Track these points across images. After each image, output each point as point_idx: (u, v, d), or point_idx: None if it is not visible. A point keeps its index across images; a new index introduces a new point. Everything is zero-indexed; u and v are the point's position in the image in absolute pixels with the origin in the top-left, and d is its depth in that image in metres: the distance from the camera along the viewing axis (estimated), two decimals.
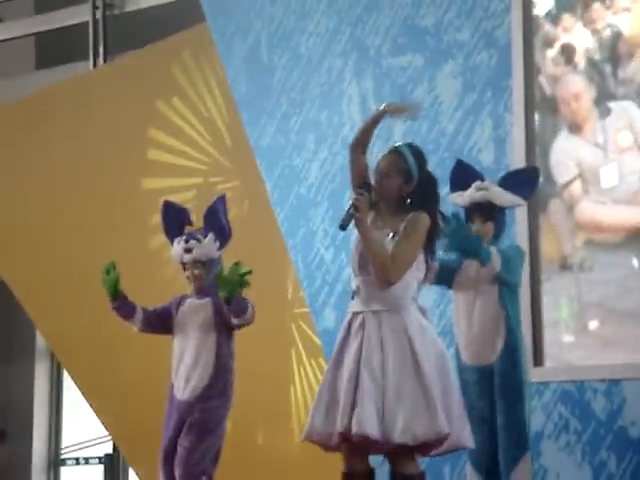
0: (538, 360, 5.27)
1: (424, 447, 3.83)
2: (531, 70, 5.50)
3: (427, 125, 5.82)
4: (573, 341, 5.24)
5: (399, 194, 3.99)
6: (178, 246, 4.80)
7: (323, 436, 3.89)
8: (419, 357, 3.83)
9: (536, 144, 5.46)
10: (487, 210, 4.69)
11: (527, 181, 4.79)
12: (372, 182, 4.00)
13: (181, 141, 6.94)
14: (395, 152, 4.03)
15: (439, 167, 5.71)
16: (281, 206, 6.32)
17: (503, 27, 5.58)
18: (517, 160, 5.45)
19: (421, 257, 3.96)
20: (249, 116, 6.56)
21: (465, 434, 3.88)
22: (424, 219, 3.92)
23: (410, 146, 4.07)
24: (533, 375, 5.22)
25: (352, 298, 4.01)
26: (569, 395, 5.15)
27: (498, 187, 4.73)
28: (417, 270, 3.96)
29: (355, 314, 3.96)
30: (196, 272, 4.75)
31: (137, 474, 7.16)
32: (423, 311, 3.98)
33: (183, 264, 4.78)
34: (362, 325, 3.92)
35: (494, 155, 5.55)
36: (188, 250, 4.74)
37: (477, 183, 4.76)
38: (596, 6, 5.37)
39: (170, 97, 7.00)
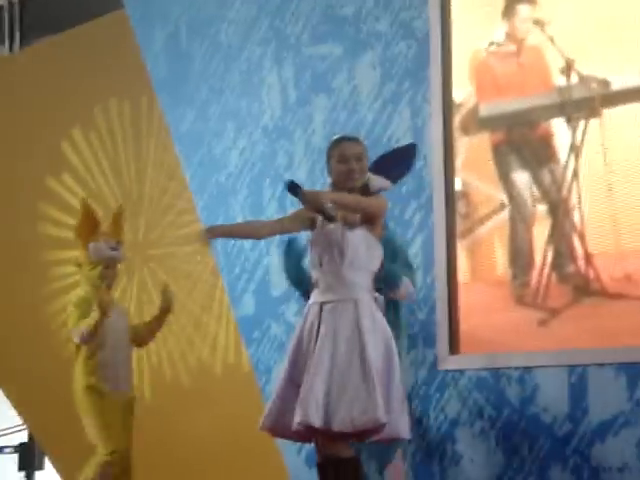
0: (454, 348, 5.34)
1: (361, 434, 3.92)
2: (449, 61, 5.56)
3: (346, 114, 5.85)
4: (488, 330, 5.31)
5: (365, 180, 4.11)
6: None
7: (285, 429, 3.98)
8: (367, 348, 3.92)
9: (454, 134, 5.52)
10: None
11: (403, 161, 4.61)
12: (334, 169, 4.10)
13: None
14: (354, 138, 4.18)
15: None
16: (200, 194, 6.30)
17: (421, 18, 5.63)
18: (436, 149, 5.50)
19: (377, 247, 4.06)
20: (169, 102, 6.53)
21: (402, 425, 3.95)
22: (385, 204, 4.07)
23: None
24: (449, 363, 5.31)
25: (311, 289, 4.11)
26: (484, 382, 5.24)
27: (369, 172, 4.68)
28: (371, 260, 4.05)
29: (313, 305, 4.06)
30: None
31: (53, 463, 7.10)
32: (377, 301, 4.06)
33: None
34: (318, 315, 4.01)
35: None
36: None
37: None
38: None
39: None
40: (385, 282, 4.55)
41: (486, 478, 5.16)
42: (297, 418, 3.89)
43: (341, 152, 4.09)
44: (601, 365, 4.90)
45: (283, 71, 6.14)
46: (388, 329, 4.04)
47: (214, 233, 4.14)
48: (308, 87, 6.03)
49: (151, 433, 5.86)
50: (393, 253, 4.73)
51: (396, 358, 4.01)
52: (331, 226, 4.04)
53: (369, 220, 4.05)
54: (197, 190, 6.32)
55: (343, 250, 4.01)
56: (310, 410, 3.86)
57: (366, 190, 4.10)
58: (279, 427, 4.01)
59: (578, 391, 4.95)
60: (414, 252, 5.44)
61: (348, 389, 3.87)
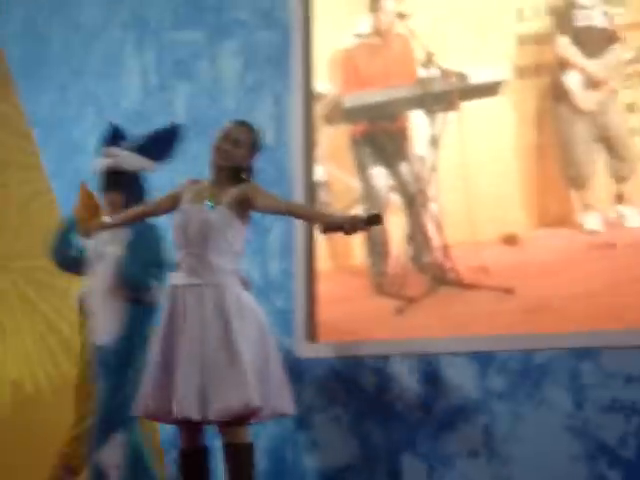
0: (312, 337, 5.37)
1: (240, 420, 3.92)
2: (311, 51, 5.58)
3: (208, 102, 5.82)
4: (346, 318, 5.35)
5: (239, 165, 4.10)
6: None
7: (160, 413, 3.97)
8: (235, 333, 3.91)
9: (315, 123, 5.55)
10: (116, 178, 4.61)
11: (166, 141, 4.66)
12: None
13: None
14: (247, 125, 4.18)
15: None
16: (59, 178, 6.17)
17: (283, 7, 5.64)
18: (296, 138, 5.52)
19: (242, 230, 4.08)
20: (26, 85, 6.38)
21: (286, 401, 4.01)
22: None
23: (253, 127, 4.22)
24: (307, 351, 5.34)
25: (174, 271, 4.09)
26: (340, 370, 5.28)
27: (129, 151, 4.62)
28: (236, 243, 4.05)
29: (176, 287, 4.01)
30: None
31: None
32: (245, 283, 4.06)
33: None
34: (184, 299, 3.97)
35: (274, 133, 5.60)
36: None
37: (106, 149, 4.65)
38: None
39: None
40: (128, 285, 4.55)
41: (339, 464, 5.22)
42: (175, 411, 3.88)
43: (223, 130, 4.13)
44: (454, 354, 5.00)
45: (144, 55, 6.07)
46: (259, 311, 4.04)
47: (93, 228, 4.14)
48: (169, 72, 5.98)
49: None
50: (146, 251, 4.64)
51: (271, 338, 4.03)
52: (196, 207, 4.02)
53: (244, 206, 4.04)
54: (54, 174, 6.19)
55: (208, 232, 3.98)
56: (186, 403, 3.86)
57: (238, 176, 4.09)
58: (154, 411, 3.99)
59: (431, 379, 5.04)
60: (275, 236, 5.46)
61: (219, 377, 3.87)
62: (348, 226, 3.86)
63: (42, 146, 6.26)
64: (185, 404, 3.86)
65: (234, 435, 3.95)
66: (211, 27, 5.87)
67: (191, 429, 4.02)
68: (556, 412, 4.75)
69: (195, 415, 3.87)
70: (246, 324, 3.94)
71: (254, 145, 4.17)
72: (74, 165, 6.13)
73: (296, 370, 5.34)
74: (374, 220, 3.89)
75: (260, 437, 5.08)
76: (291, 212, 4.22)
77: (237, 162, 4.11)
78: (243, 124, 4.18)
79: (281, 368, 4.05)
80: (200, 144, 5.69)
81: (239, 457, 3.96)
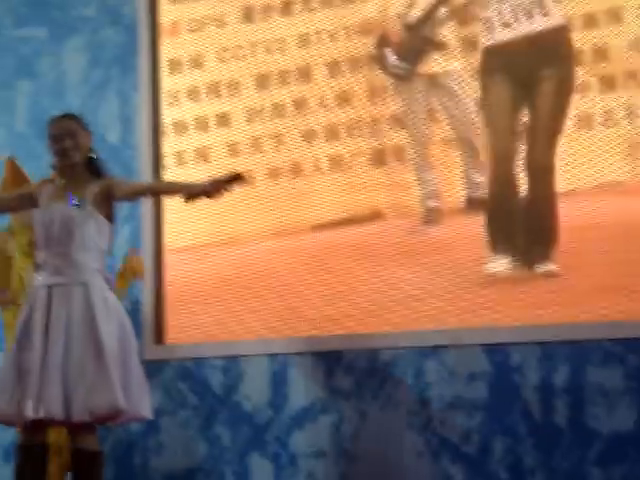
0: (159, 339, 5.34)
1: (101, 421, 3.91)
2: (157, 49, 5.55)
3: (51, 100, 5.70)
4: (194, 319, 5.34)
5: (85, 155, 4.08)
6: None
7: (8, 417, 3.89)
8: (101, 333, 3.86)
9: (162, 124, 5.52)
10: None
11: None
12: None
13: None
14: (65, 115, 4.15)
15: None
16: None
17: (130, 4, 5.59)
18: (144, 139, 5.48)
19: (107, 227, 4.02)
20: None
21: (143, 405, 3.98)
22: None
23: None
24: (154, 353, 5.30)
25: (36, 271, 4.02)
26: (188, 372, 5.26)
27: None
28: (101, 240, 4.00)
29: (40, 288, 3.93)
30: None
31: None
32: (109, 281, 4.00)
33: None
34: (49, 300, 3.89)
35: (120, 134, 5.54)
36: None
37: None
38: None
39: None
40: None
41: (188, 467, 5.20)
42: (38, 412, 3.79)
43: (50, 132, 4.10)
44: (300, 354, 5.05)
45: None
46: (122, 310, 4.02)
47: None
48: (12, 70, 5.84)
49: None
50: None
51: (133, 339, 4.01)
52: (58, 206, 3.96)
53: (107, 200, 3.98)
54: None
55: (72, 230, 3.91)
56: (50, 402, 3.79)
57: (94, 166, 4.06)
58: (7, 419, 3.92)
59: (279, 379, 5.08)
60: (121, 242, 5.40)
61: (84, 377, 3.82)
62: (211, 189, 3.85)
63: None
64: (53, 405, 3.78)
65: (85, 441, 3.90)
66: (55, 23, 5.76)
67: (37, 427, 3.92)
68: (401, 410, 4.86)
69: (60, 416, 3.80)
70: (112, 324, 3.91)
71: (84, 127, 4.16)
72: None
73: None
74: (236, 179, 3.90)
75: (107, 442, 5.02)
76: (153, 190, 4.35)
77: (82, 153, 4.07)
78: (61, 117, 4.16)
79: (141, 370, 4.04)
80: (43, 143, 5.60)
81: (89, 464, 3.92)
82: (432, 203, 5.06)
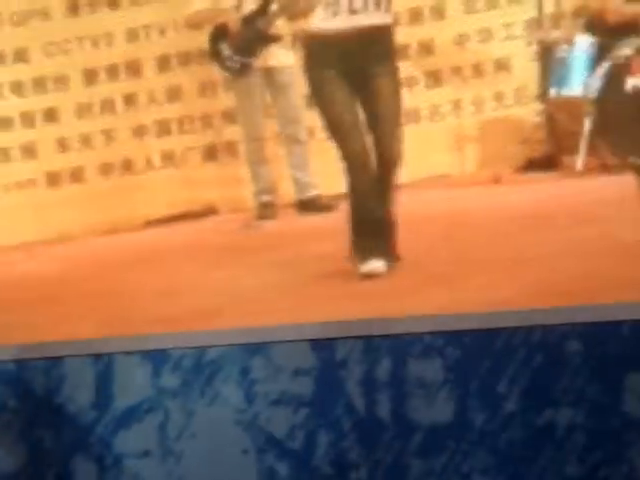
0: None
1: None
2: None
3: None
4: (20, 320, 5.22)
5: None
6: None
7: None
8: None
9: None
10: None
11: None
12: None
13: None
14: None
15: None
16: None
17: None
18: None
19: None
20: None
21: None
22: None
23: None
24: None
25: None
26: (8, 374, 5.12)
27: None
28: None
29: None
30: None
31: None
32: None
33: None
34: None
35: None
36: None
37: None
38: None
39: None
40: None
41: (7, 472, 5.06)
42: None
43: None
44: (128, 353, 4.96)
45: None
46: None
47: None
48: None
49: None
50: None
51: None
52: None
53: None
54: None
55: None
56: None
57: None
58: None
59: (104, 379, 4.98)
60: None
61: None
62: None
63: None
64: None
65: None
66: None
67: None
68: (228, 407, 4.80)
69: None
70: None
71: None
72: None
73: None
74: None
75: None
76: None
77: None
78: None
79: None
80: None
81: None
82: (266, 198, 5.03)
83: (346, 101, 4.80)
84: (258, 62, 5.03)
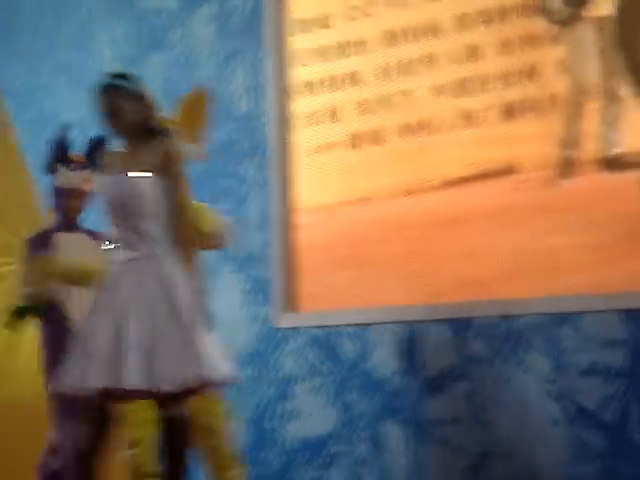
0: (290, 306, 5.33)
1: (189, 393, 3.84)
2: (284, 18, 5.49)
3: (183, 72, 5.73)
4: (325, 287, 5.30)
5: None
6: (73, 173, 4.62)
7: (76, 389, 3.82)
8: (179, 304, 3.79)
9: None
10: None
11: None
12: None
13: None
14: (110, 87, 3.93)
15: None
16: (32, 152, 6.10)
17: None
18: (273, 108, 5.45)
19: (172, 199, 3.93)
20: None
21: (226, 367, 3.86)
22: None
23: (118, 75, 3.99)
24: (285, 321, 5.31)
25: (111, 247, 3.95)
26: (319, 339, 5.25)
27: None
28: (169, 211, 3.92)
29: (114, 263, 3.89)
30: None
31: None
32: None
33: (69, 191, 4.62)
34: (122, 274, 3.85)
35: (250, 103, 5.54)
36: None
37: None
38: None
39: None
40: None
41: (322, 433, 5.20)
42: (124, 382, 3.71)
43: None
44: (432, 321, 4.95)
45: (116, 25, 5.97)
46: (193, 279, 3.90)
47: None
48: (143, 42, 5.89)
49: None
50: None
51: (205, 305, 3.91)
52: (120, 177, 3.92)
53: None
54: (27, 148, 6.11)
55: (141, 203, 3.87)
56: (134, 374, 3.71)
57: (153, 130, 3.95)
58: (76, 391, 3.84)
59: (410, 347, 5.00)
60: (251, 211, 5.43)
61: (169, 349, 3.74)
62: None
63: (15, 118, 6.18)
64: (134, 375, 3.71)
65: (175, 408, 3.87)
66: None
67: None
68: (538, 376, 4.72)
69: (143, 386, 3.72)
70: (186, 294, 3.85)
71: (136, 92, 3.94)
72: (46, 138, 6.05)
73: (275, 340, 5.32)
74: None
75: (242, 406, 5.05)
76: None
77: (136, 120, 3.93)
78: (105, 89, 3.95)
79: (214, 335, 3.97)
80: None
81: (178, 430, 3.91)
82: (570, 153, 4.81)
83: None
84: (586, 12, 4.77)
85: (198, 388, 3.85)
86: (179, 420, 3.88)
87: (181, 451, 3.90)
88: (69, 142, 4.70)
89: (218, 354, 3.84)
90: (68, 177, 4.65)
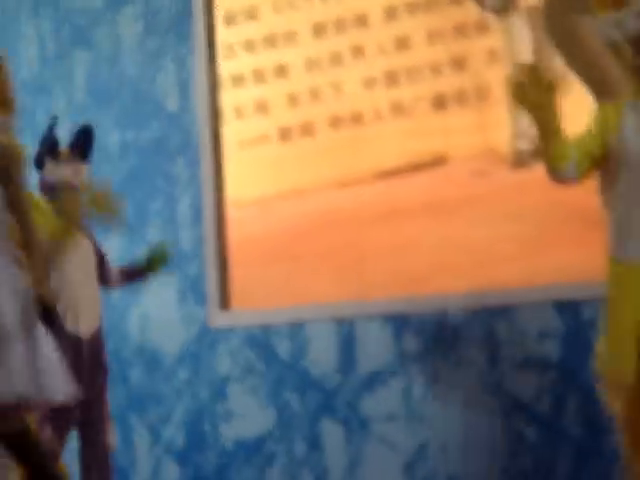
0: (225, 305, 5.29)
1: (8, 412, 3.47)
2: (212, 12, 5.43)
3: (108, 69, 5.64)
4: (260, 285, 5.26)
5: None
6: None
7: None
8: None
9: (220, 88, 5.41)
10: None
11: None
12: None
13: None
14: None
15: (122, 112, 5.58)
16: None
17: None
18: (201, 103, 5.39)
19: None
20: None
21: (61, 387, 3.51)
22: None
23: None
24: (220, 320, 5.26)
25: None
26: (255, 338, 5.20)
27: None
28: None
29: None
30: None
31: None
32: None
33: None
34: None
35: (179, 99, 5.46)
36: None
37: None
38: None
39: None
40: None
41: (259, 433, 5.17)
42: None
43: None
44: (368, 317, 4.93)
45: (41, 24, 5.86)
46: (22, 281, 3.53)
47: None
48: (67, 40, 5.78)
49: None
50: None
51: (35, 314, 3.50)
52: None
53: None
54: None
55: None
56: None
57: None
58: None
59: (346, 344, 4.98)
60: (183, 208, 5.36)
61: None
62: None
63: None
64: None
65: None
66: None
67: None
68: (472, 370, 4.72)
69: None
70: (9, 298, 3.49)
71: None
72: None
73: (210, 340, 5.27)
74: None
75: (177, 409, 4.99)
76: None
77: None
78: None
79: (53, 347, 3.59)
80: (101, 113, 5.56)
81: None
82: (523, 145, 4.78)
83: None
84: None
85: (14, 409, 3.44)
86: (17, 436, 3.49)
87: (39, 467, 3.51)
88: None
89: (53, 366, 3.49)
90: None
